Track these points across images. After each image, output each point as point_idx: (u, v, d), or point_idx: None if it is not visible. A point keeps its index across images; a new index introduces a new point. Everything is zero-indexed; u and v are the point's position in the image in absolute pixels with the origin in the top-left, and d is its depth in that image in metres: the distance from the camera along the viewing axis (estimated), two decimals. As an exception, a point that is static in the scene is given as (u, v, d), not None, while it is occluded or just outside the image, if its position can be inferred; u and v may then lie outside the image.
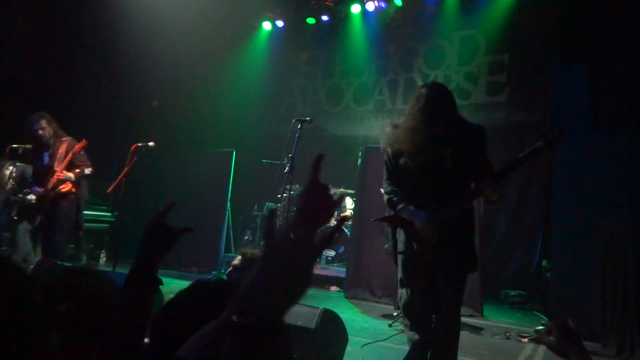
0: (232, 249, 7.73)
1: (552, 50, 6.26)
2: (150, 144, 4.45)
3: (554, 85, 5.75)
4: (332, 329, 2.92)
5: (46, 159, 4.81)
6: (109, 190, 4.70)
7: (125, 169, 4.26)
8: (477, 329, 4.72)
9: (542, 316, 5.43)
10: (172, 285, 5.97)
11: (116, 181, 4.40)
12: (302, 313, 2.66)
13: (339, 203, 0.83)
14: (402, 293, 2.86)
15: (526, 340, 4.32)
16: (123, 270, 4.60)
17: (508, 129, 7.13)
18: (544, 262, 6.35)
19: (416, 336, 2.82)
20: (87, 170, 4.61)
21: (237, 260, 2.62)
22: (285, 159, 6.43)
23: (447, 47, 7.88)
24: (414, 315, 2.85)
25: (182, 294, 1.23)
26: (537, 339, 4.28)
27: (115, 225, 7.47)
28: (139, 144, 4.41)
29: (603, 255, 4.30)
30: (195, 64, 8.24)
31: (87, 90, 8.12)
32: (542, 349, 4.10)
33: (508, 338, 4.42)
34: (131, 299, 1.03)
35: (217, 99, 8.59)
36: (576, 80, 5.07)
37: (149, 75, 8.07)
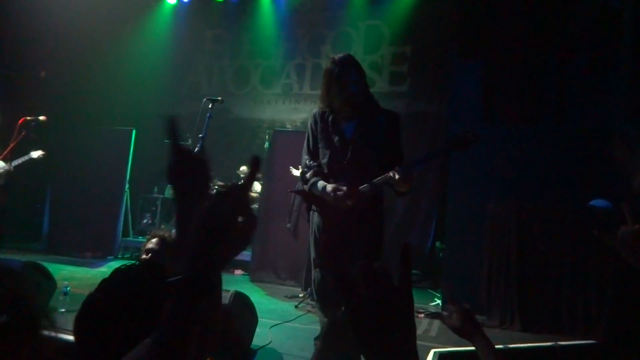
0: (130, 233, 7.35)
1: (450, 44, 6.66)
2: (42, 118, 4.05)
3: (451, 78, 6.12)
4: (243, 311, 2.90)
5: None
6: (-10, 168, 4.22)
7: (11, 145, 3.84)
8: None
9: (435, 293, 5.84)
10: (63, 272, 5.56)
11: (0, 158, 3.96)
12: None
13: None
14: (315, 274, 2.91)
15: (422, 316, 4.63)
16: (4, 256, 4.20)
17: (408, 118, 7.47)
18: (438, 243, 6.82)
19: (325, 319, 2.89)
20: None
21: (152, 244, 2.47)
22: (192, 139, 6.23)
23: (354, 36, 8.05)
24: (325, 295, 2.91)
25: (106, 284, 1.05)
26: (433, 314, 4.61)
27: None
28: (28, 118, 3.99)
29: (490, 236, 4.72)
30: (92, 34, 7.60)
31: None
32: (436, 323, 4.42)
33: (406, 314, 4.69)
34: (183, 311, 0.73)
35: (115, 73, 8.01)
36: (471, 74, 5.44)
37: (37, 41, 7.30)
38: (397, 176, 2.54)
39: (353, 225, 2.74)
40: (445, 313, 1.43)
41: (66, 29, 7.34)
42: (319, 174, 2.81)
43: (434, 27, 7.27)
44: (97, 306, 1.02)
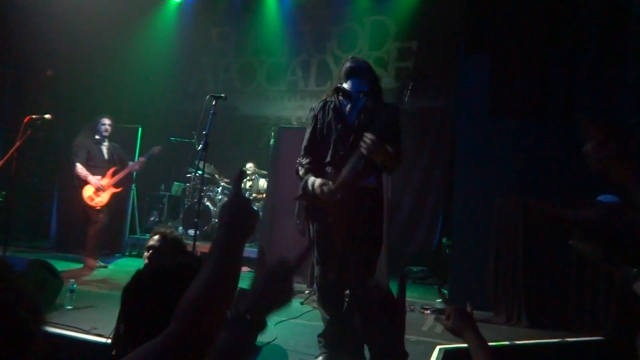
0: (137, 230, 7.38)
1: (457, 39, 6.61)
2: (47, 116, 4.07)
3: (458, 74, 6.08)
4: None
5: None
6: (-2, 166, 4.25)
7: (17, 144, 3.85)
8: (384, 304, 4.95)
9: (442, 290, 5.82)
10: (71, 270, 5.56)
11: (6, 157, 3.97)
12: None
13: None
14: (317, 271, 2.91)
15: (428, 312, 4.62)
16: (12, 254, 4.24)
17: (414, 114, 7.45)
18: (444, 240, 6.79)
19: (327, 316, 2.89)
20: None
21: (154, 240, 2.48)
22: (197, 136, 6.23)
23: (359, 31, 8.02)
24: (327, 293, 2.90)
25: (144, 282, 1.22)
26: (439, 311, 4.59)
27: (3, 206, 6.79)
28: (34, 117, 4.00)
29: (497, 232, 4.68)
30: (98, 33, 7.62)
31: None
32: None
33: (412, 311, 4.68)
34: (234, 340, 1.02)
35: (121, 72, 8.03)
36: (478, 69, 5.41)
37: (44, 41, 7.34)
38: (366, 141, 2.54)
39: (353, 223, 2.73)
40: (442, 316, 1.49)
41: (72, 28, 7.37)
42: (311, 170, 2.81)
43: (440, 22, 7.21)
44: (143, 279, 1.21)
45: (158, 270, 1.25)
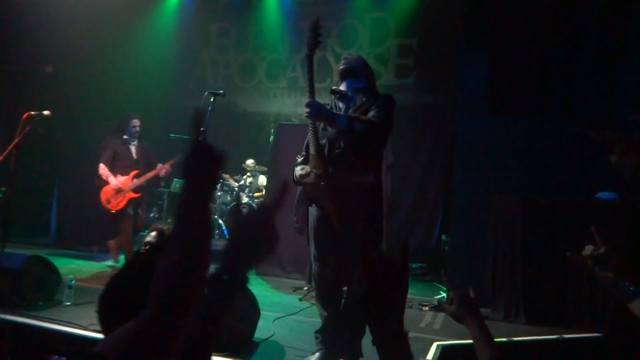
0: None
1: (456, 36, 6.60)
2: (46, 112, 4.06)
3: (457, 71, 6.08)
4: (245, 305, 2.91)
5: None
6: (-3, 162, 4.26)
7: (16, 140, 3.85)
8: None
9: (441, 286, 5.82)
10: (70, 266, 5.59)
11: (5, 153, 3.98)
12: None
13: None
14: (315, 268, 2.93)
15: (426, 308, 4.62)
16: (12, 250, 4.25)
17: (414, 111, 7.46)
18: (443, 236, 6.79)
19: (325, 312, 2.91)
20: None
21: (151, 237, 2.50)
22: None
23: (359, 28, 8.01)
24: (325, 290, 2.92)
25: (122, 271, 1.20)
26: (437, 307, 4.60)
27: (3, 202, 6.80)
28: (32, 113, 4.01)
29: (495, 228, 4.68)
30: (98, 29, 7.62)
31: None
32: (440, 316, 4.41)
33: (410, 307, 4.68)
34: (213, 303, 0.91)
35: (121, 68, 8.03)
36: (477, 66, 5.40)
37: (43, 37, 7.34)
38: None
39: (350, 219, 2.75)
40: (443, 299, 1.47)
41: (72, 25, 7.37)
42: (301, 164, 2.89)
43: (440, 19, 7.20)
44: (114, 289, 1.16)
45: (131, 274, 1.17)
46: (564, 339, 3.80)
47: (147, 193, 6.04)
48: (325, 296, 2.92)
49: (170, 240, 0.87)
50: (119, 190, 5.41)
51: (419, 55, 7.57)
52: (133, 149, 5.64)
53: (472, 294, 1.43)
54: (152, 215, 7.69)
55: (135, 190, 5.48)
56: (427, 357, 3.01)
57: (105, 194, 5.45)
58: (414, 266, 6.70)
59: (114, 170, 5.48)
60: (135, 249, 7.13)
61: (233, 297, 0.91)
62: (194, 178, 0.90)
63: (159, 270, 0.83)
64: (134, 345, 0.79)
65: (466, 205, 5.11)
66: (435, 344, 3.24)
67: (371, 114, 2.78)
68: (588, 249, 1.33)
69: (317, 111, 2.71)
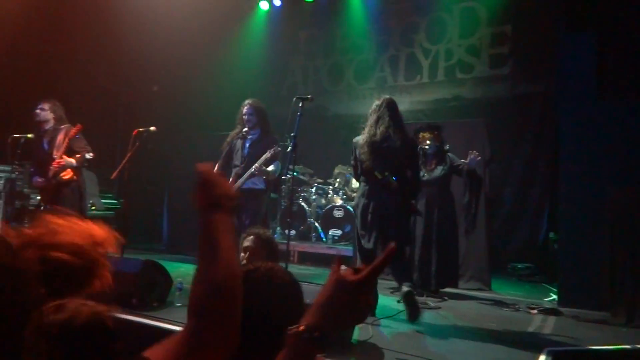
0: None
1: (556, 17, 6.14)
2: (152, 128, 4.42)
3: (559, 54, 5.64)
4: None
5: (45, 146, 4.77)
6: (112, 176, 4.69)
7: (128, 155, 4.23)
8: (485, 302, 4.73)
9: (550, 288, 5.43)
10: (180, 270, 5.97)
11: (119, 167, 4.38)
12: (309, 291, 2.66)
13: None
14: (364, 242, 3.78)
15: (535, 311, 4.33)
16: (130, 255, 4.63)
17: (513, 101, 7.06)
18: (551, 234, 6.33)
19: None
20: (88, 155, 4.53)
21: (248, 241, 2.58)
22: (288, 138, 6.38)
23: (448, 20, 7.74)
24: (365, 258, 3.78)
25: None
26: (547, 311, 4.28)
27: (121, 213, 7.48)
28: (141, 129, 4.37)
29: (612, 224, 4.27)
30: (194, 47, 8.14)
31: (86, 77, 8.04)
32: (551, 319, 4.11)
33: (517, 310, 4.42)
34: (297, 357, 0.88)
35: (217, 81, 8.50)
36: (582, 48, 4.94)
37: (147, 59, 7.99)
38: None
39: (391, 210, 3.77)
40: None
41: (171, 47, 7.92)
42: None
43: (536, 1, 6.75)
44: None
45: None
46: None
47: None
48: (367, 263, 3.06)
49: (198, 265, 0.96)
50: None
51: (514, 43, 7.16)
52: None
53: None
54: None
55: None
56: (537, 364, 2.81)
57: None
58: (519, 266, 6.33)
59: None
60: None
61: (315, 355, 0.87)
62: (201, 204, 0.99)
63: (194, 287, 0.91)
64: (178, 354, 0.85)
65: (577, 200, 4.72)
66: (546, 350, 3.02)
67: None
68: None
69: None
